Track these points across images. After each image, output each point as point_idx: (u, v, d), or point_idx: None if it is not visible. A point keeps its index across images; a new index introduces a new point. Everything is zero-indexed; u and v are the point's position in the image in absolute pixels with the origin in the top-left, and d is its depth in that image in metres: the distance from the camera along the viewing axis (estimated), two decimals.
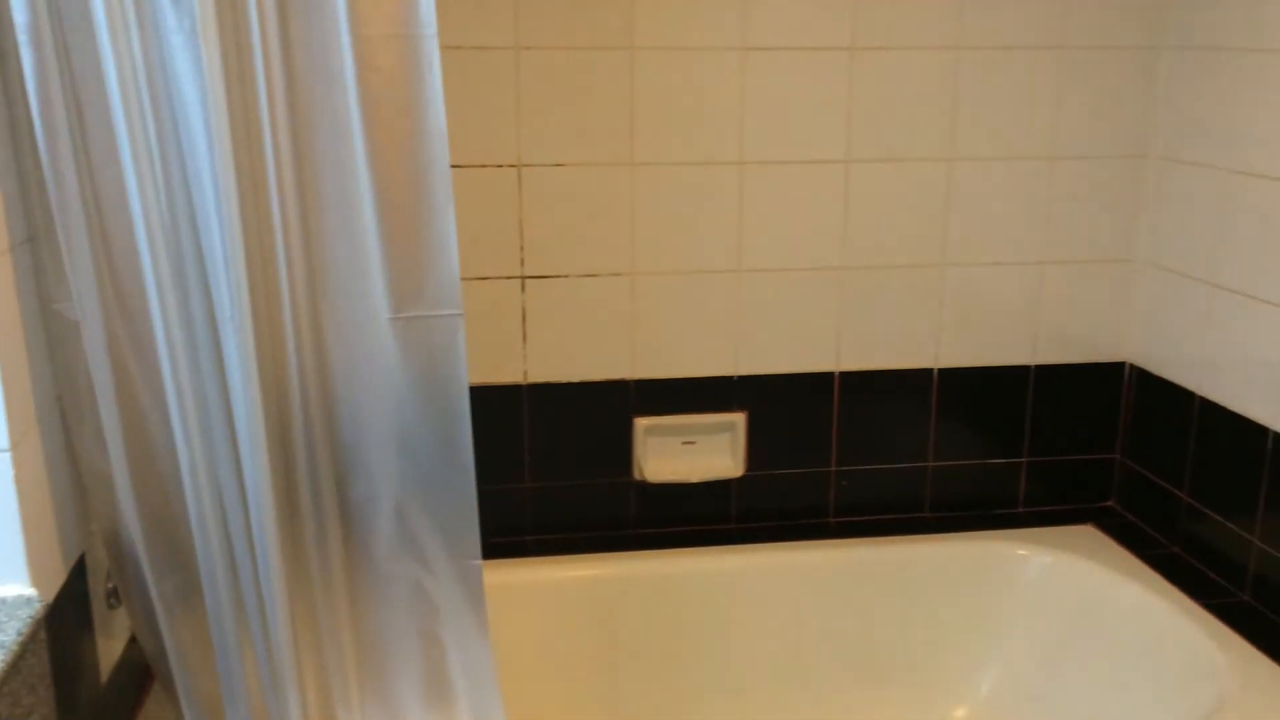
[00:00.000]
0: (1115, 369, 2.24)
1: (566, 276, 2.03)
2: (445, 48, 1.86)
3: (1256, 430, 1.88)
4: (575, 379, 2.07)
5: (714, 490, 2.16)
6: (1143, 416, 2.21)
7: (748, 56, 1.99)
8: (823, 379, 2.15)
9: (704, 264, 2.06)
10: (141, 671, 1.54)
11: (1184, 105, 2.05)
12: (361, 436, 1.31)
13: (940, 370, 2.18)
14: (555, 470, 2.10)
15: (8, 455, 1.18)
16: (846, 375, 2.15)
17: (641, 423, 2.10)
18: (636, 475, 2.12)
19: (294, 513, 1.33)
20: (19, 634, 1.13)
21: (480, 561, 1.34)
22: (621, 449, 2.11)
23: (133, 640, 1.51)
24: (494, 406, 2.03)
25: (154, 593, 1.33)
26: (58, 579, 1.30)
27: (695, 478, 2.13)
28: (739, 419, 2.14)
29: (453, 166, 1.90)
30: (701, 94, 1.99)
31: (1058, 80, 2.07)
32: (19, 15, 1.13)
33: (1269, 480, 1.86)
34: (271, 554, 1.28)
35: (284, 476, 1.31)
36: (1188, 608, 1.88)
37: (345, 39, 1.22)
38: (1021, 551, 2.11)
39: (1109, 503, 2.29)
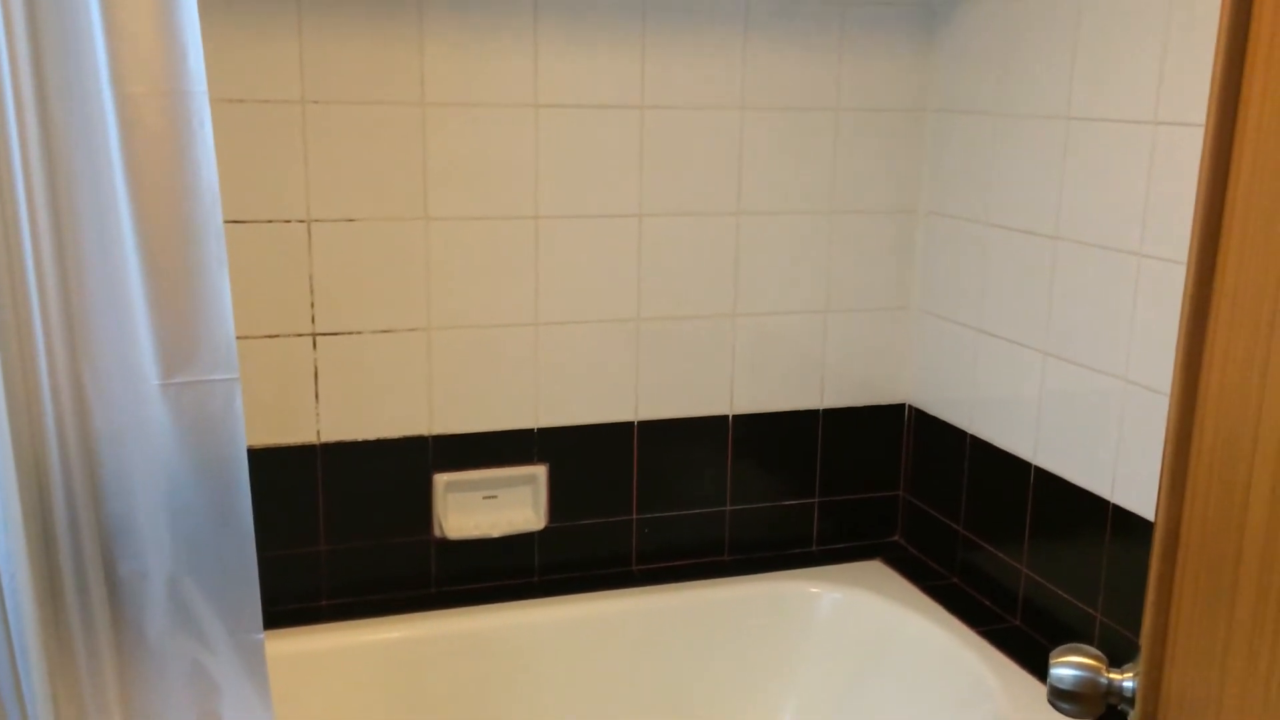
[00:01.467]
0: (896, 410, 2.36)
1: (360, 333, 1.99)
2: (228, 101, 1.84)
3: (1020, 465, 2.03)
4: (371, 436, 2.03)
5: (517, 544, 2.15)
6: (922, 455, 2.34)
7: (540, 113, 2.02)
8: (622, 429, 2.18)
9: (501, 318, 2.07)
10: None
11: (947, 163, 2.21)
12: (130, 509, 1.25)
13: (735, 416, 2.25)
14: (352, 531, 2.05)
15: None
16: (645, 424, 2.19)
17: (441, 478, 2.08)
18: (437, 532, 2.10)
19: (56, 592, 1.25)
20: None
21: (262, 635, 1.29)
22: (421, 506, 2.08)
23: None
24: (285, 468, 1.97)
25: None
26: None
27: (497, 532, 2.12)
28: (540, 471, 2.14)
29: (238, 222, 1.87)
30: (495, 149, 2.01)
31: (834, 139, 2.20)
32: None
33: (1033, 512, 2.01)
34: (30, 638, 1.20)
35: (44, 554, 1.23)
36: (965, 636, 2.00)
37: (108, 96, 1.17)
38: (814, 589, 2.19)
39: (895, 538, 2.41)
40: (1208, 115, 0.78)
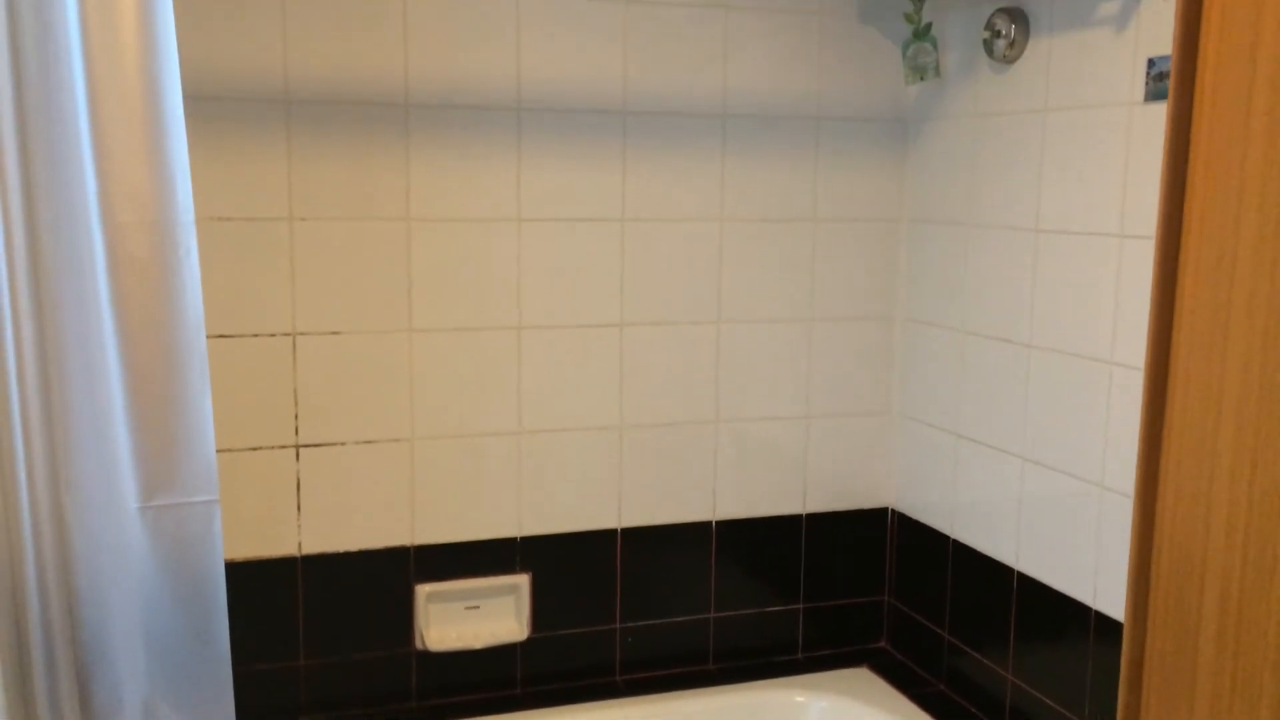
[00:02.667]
0: (879, 515, 2.37)
1: (343, 444, 2.00)
2: (216, 219, 1.88)
3: (1003, 570, 2.03)
4: (353, 548, 2.02)
5: (499, 655, 2.13)
6: (907, 559, 2.34)
7: (523, 226, 2.07)
8: (605, 536, 2.18)
9: (484, 427, 2.08)
10: None
11: (923, 272, 2.25)
12: (107, 633, 1.24)
13: (718, 522, 2.26)
14: (332, 645, 2.03)
15: None
16: (628, 532, 2.19)
17: (423, 589, 2.07)
18: (418, 644, 2.08)
19: (29, 718, 1.23)
20: None
21: None
22: (402, 618, 2.07)
23: None
24: (265, 581, 1.96)
25: None
26: None
27: (480, 643, 2.10)
28: (523, 580, 2.13)
29: (224, 336, 1.90)
30: (478, 262, 2.05)
31: (812, 248, 2.25)
32: None
33: (1017, 618, 2.00)
34: None
35: (18, 678, 1.22)
36: None
37: (96, 225, 1.20)
38: (799, 698, 2.17)
39: (881, 643, 2.40)
40: (1156, 229, 0.81)
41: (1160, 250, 0.85)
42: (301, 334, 1.96)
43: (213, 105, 1.86)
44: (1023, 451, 1.98)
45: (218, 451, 1.33)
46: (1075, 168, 1.84)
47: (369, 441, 2.02)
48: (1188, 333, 0.80)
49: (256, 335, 1.93)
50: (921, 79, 2.12)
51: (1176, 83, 0.78)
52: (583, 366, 2.14)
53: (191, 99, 1.56)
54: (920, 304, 2.26)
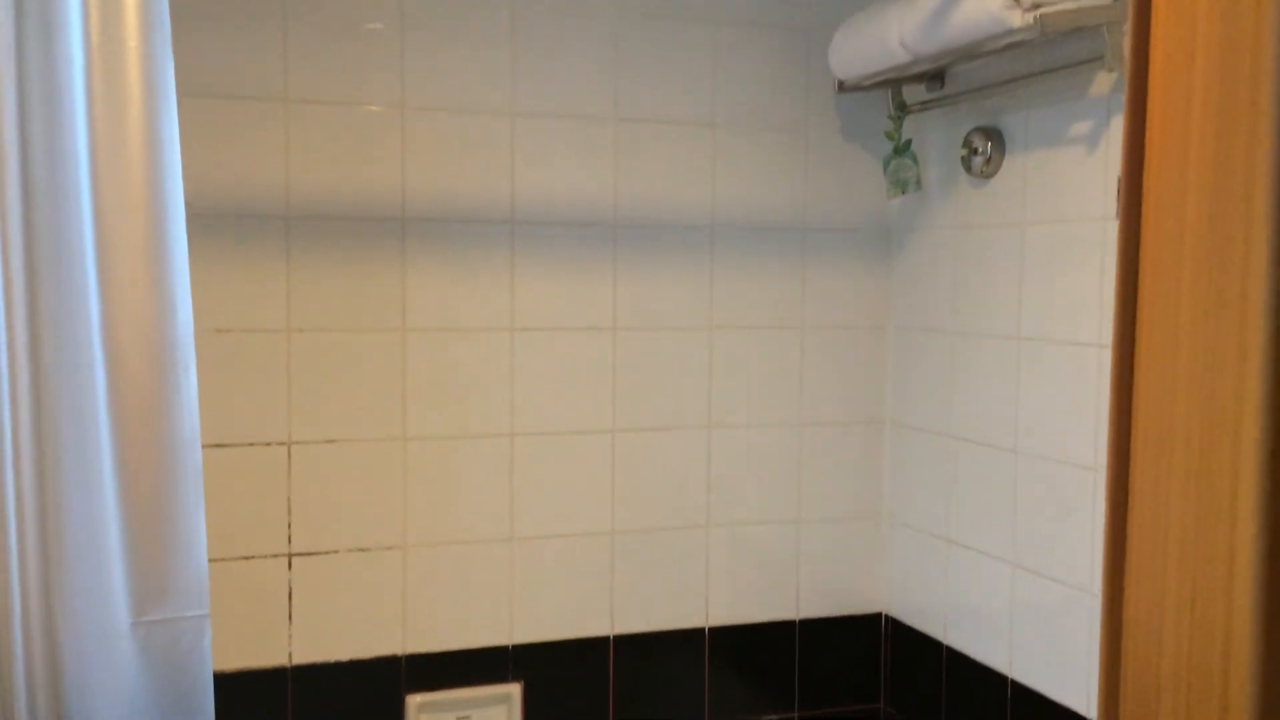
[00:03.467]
0: (873, 620, 2.36)
1: (336, 552, 2.01)
2: (216, 331, 1.92)
3: (997, 678, 2.02)
4: (344, 658, 2.02)
5: None
6: (901, 665, 2.33)
7: (516, 336, 2.11)
8: (598, 644, 2.18)
9: (476, 534, 2.10)
10: None
11: (910, 378, 2.29)
12: None
13: (711, 629, 2.25)
14: None
15: None
16: (621, 639, 2.19)
17: (414, 700, 2.05)
18: None
19: None
20: None
21: None
22: None
23: None
24: (256, 693, 1.95)
25: None
26: None
27: None
28: (515, 690, 2.12)
29: (219, 446, 1.92)
30: (472, 371, 2.08)
31: (800, 355, 2.29)
32: None
33: None
34: None
35: None
36: None
37: (97, 344, 1.24)
38: None
39: None
40: (1112, 337, 0.85)
41: (1116, 361, 0.88)
42: (297, 443, 1.98)
43: (215, 220, 1.91)
44: (1013, 557, 1.99)
45: (210, 561, 1.34)
46: (1054, 279, 1.88)
47: (362, 549, 2.03)
48: (1141, 441, 0.83)
49: (252, 444, 1.96)
50: (903, 192, 2.19)
51: (1125, 200, 0.83)
52: (575, 472, 2.16)
53: (194, 213, 1.61)
54: (908, 409, 2.30)
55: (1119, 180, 0.82)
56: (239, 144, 1.92)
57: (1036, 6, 1.65)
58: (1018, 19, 1.65)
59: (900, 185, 2.19)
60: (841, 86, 2.17)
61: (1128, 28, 0.73)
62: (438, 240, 2.05)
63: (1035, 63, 1.88)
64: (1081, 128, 1.80)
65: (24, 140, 1.24)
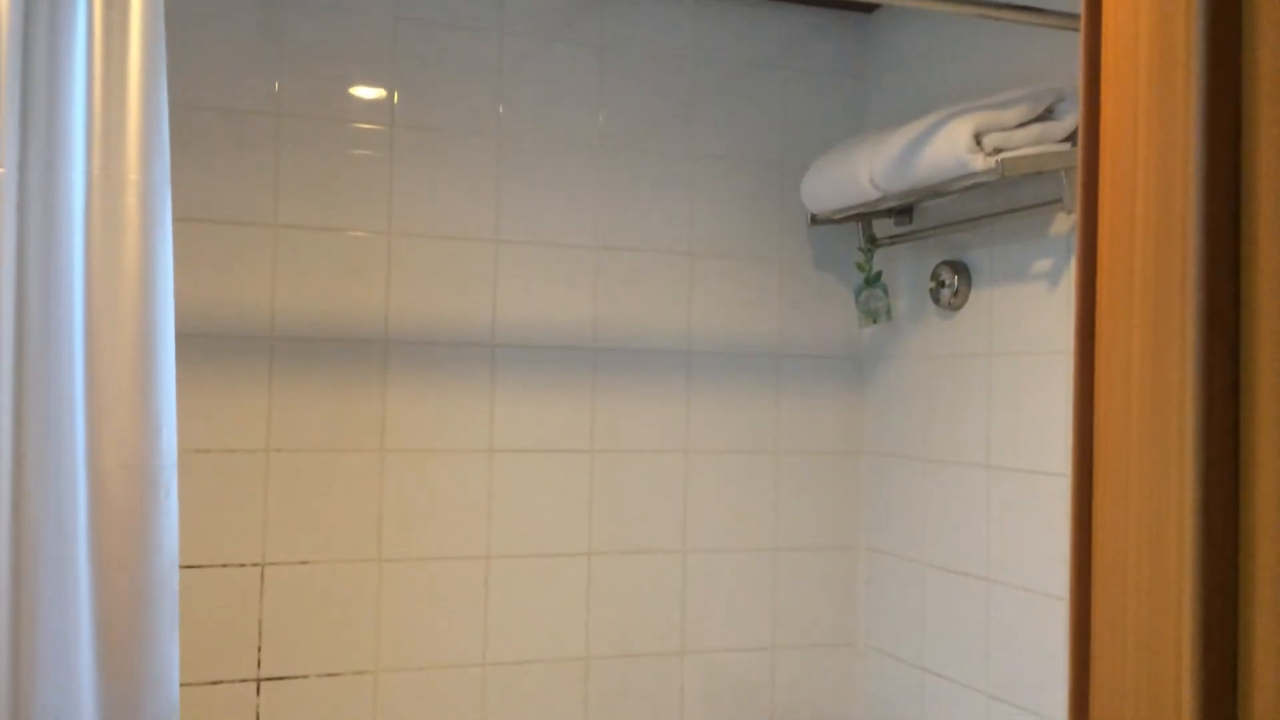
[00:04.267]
0: None
1: (306, 676, 1.98)
2: (194, 451, 1.92)
3: None
4: None
5: None
6: None
7: (494, 457, 2.13)
8: None
9: (449, 658, 2.07)
10: None
11: (882, 503, 2.31)
12: None
13: None
14: None
15: None
16: None
17: None
18: None
19: None
20: None
21: None
22: None
23: None
24: None
25: None
26: None
27: None
28: None
29: (192, 567, 1.91)
30: (450, 492, 2.09)
31: (774, 480, 2.31)
32: None
33: None
34: None
35: None
36: None
37: (81, 470, 1.25)
38: None
39: None
40: (1071, 469, 0.87)
41: (1075, 488, 0.91)
42: (270, 564, 1.97)
43: (199, 341, 1.94)
44: (985, 687, 1.98)
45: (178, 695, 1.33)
46: (1020, 409, 1.93)
47: (332, 674, 2.00)
48: (1100, 567, 0.85)
49: (225, 565, 1.95)
50: (875, 322, 2.25)
51: (1079, 332, 0.86)
52: (550, 596, 2.15)
53: (179, 334, 1.64)
54: (881, 535, 2.31)
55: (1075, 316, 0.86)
56: (228, 266, 1.97)
57: (998, 151, 1.73)
58: (980, 163, 1.73)
59: (872, 315, 2.25)
60: (814, 220, 2.26)
61: (1078, 176, 0.79)
62: (419, 362, 2.08)
63: (999, 202, 1.97)
64: (1043, 264, 1.88)
65: (20, 263, 1.27)
